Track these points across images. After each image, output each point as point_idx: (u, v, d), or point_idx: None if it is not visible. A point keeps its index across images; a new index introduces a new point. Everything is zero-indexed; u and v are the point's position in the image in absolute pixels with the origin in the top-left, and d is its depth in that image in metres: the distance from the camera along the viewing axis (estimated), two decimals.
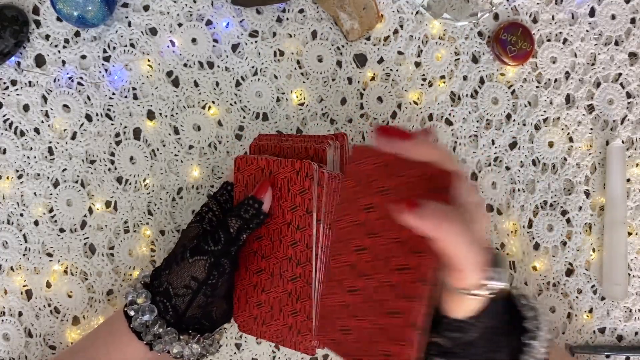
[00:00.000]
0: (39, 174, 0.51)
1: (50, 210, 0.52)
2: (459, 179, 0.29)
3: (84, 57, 0.51)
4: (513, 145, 0.54)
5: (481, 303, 0.31)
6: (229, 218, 0.42)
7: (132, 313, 0.42)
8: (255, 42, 0.52)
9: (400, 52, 0.53)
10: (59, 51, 0.51)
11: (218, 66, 0.52)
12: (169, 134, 0.52)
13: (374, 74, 0.53)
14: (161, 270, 0.43)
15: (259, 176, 0.44)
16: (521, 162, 0.54)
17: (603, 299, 0.55)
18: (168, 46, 0.51)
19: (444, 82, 0.53)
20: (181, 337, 0.42)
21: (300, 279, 0.41)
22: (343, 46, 0.52)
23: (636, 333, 0.55)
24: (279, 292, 0.42)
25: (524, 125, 0.54)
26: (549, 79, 0.54)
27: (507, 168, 0.54)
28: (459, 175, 0.29)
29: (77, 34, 0.51)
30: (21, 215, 0.51)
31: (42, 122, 0.51)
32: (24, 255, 0.52)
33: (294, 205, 0.41)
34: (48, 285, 0.52)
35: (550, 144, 0.54)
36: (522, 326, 0.35)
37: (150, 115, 0.52)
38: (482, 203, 0.32)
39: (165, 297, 0.42)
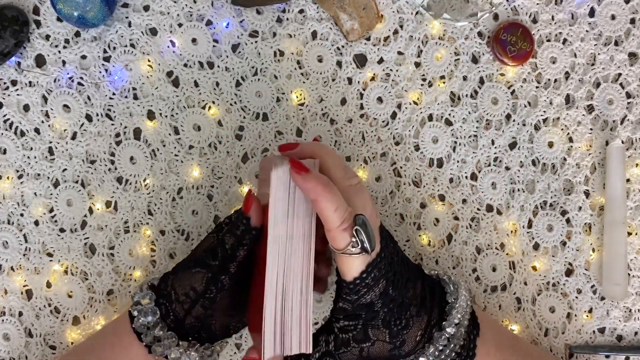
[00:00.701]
0: (39, 174, 0.51)
1: (51, 210, 0.52)
2: (334, 163, 0.40)
3: (84, 57, 0.51)
4: (513, 146, 0.54)
5: (361, 263, 0.37)
6: (224, 235, 0.42)
7: (135, 313, 0.42)
8: (255, 42, 0.52)
9: (400, 53, 0.53)
10: (59, 51, 0.51)
11: (218, 66, 0.52)
12: (169, 134, 0.52)
13: (374, 74, 0.53)
14: (169, 273, 0.44)
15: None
16: (521, 162, 0.54)
17: (603, 299, 0.55)
18: (168, 46, 0.51)
19: (444, 82, 0.53)
20: (180, 342, 0.42)
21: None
22: (343, 46, 0.52)
23: (636, 333, 0.55)
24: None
25: (524, 125, 0.54)
26: (549, 79, 0.54)
27: (507, 168, 0.54)
28: (330, 160, 0.40)
29: (77, 34, 0.51)
30: (21, 215, 0.51)
31: (42, 122, 0.51)
32: (24, 255, 0.52)
33: None
34: (48, 285, 0.52)
35: (550, 144, 0.54)
36: (445, 300, 0.42)
37: (150, 115, 0.52)
38: (359, 183, 0.40)
39: (168, 301, 0.42)
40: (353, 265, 0.37)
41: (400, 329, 0.39)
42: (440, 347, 0.40)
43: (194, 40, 0.51)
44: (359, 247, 0.36)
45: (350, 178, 0.40)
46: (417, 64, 0.53)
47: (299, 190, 0.38)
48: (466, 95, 0.53)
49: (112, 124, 0.51)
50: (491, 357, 0.42)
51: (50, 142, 0.51)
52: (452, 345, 0.40)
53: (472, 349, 0.41)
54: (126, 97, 0.51)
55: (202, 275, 0.41)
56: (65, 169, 0.51)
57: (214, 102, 0.52)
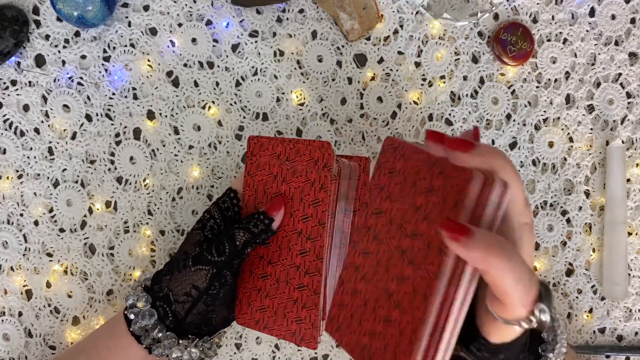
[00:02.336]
0: (39, 174, 0.51)
1: (50, 210, 0.52)
2: (517, 194, 0.28)
3: (84, 57, 0.51)
4: (513, 145, 0.54)
5: (519, 332, 0.31)
6: (237, 230, 0.42)
7: (132, 317, 0.42)
8: (255, 42, 0.52)
9: (400, 52, 0.53)
10: (59, 51, 0.51)
11: (218, 66, 0.52)
12: (169, 134, 0.52)
13: (374, 74, 0.53)
14: (162, 274, 0.43)
15: (270, 183, 0.43)
16: (521, 162, 0.54)
17: (603, 299, 0.55)
18: (168, 46, 0.51)
19: (444, 82, 0.53)
20: (180, 341, 0.42)
21: (307, 288, 0.41)
22: (343, 46, 0.52)
23: (636, 333, 0.55)
24: (284, 299, 0.42)
25: (524, 125, 0.54)
26: (549, 79, 0.54)
27: None
28: (517, 189, 0.28)
29: (77, 34, 0.51)
30: (21, 215, 0.51)
31: (42, 122, 0.51)
32: (24, 255, 0.52)
33: (305, 215, 0.41)
34: (48, 285, 0.52)
35: (550, 144, 0.54)
36: (540, 336, 0.35)
37: (150, 115, 0.52)
38: (532, 223, 0.30)
39: (166, 303, 0.42)
40: (511, 332, 0.31)
41: None
42: None
43: (194, 40, 0.51)
44: (534, 324, 0.29)
45: (528, 214, 0.30)
46: (417, 64, 0.53)
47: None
48: (466, 95, 0.53)
49: (112, 124, 0.51)
50: None
51: (50, 142, 0.51)
52: None
53: None
54: (126, 97, 0.51)
55: (206, 273, 0.41)
56: (65, 169, 0.51)
57: (214, 102, 0.52)
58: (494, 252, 0.26)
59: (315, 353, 0.53)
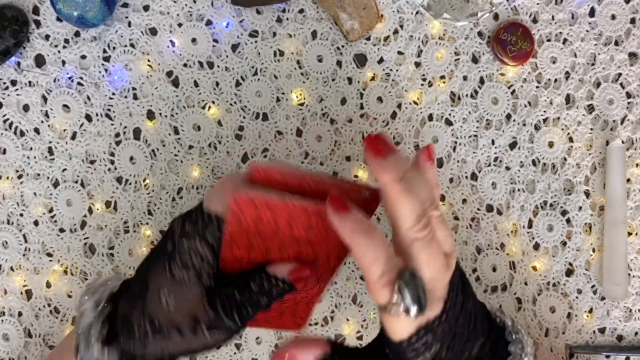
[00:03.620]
0: (39, 174, 0.51)
1: (50, 210, 0.52)
2: (403, 212, 0.31)
3: (84, 57, 0.51)
4: (513, 145, 0.54)
5: (410, 326, 0.31)
6: (260, 295, 0.34)
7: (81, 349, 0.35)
8: (255, 42, 0.52)
9: (400, 52, 0.53)
10: (59, 51, 0.51)
11: (218, 66, 0.52)
12: (169, 134, 0.52)
13: (374, 74, 0.53)
14: (145, 334, 0.34)
15: (267, 231, 0.34)
16: (521, 162, 0.54)
17: (603, 299, 0.55)
18: (168, 46, 0.51)
19: (444, 82, 0.53)
20: None
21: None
22: (343, 46, 0.52)
23: (636, 333, 0.55)
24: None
25: (524, 125, 0.54)
26: (549, 79, 0.54)
27: (507, 168, 0.54)
28: (402, 207, 0.30)
29: (77, 34, 0.51)
30: (21, 215, 0.51)
31: (42, 122, 0.51)
32: (24, 255, 0.52)
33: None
34: (48, 285, 0.52)
35: (550, 144, 0.54)
36: (507, 350, 0.35)
37: (150, 115, 0.52)
38: (426, 238, 0.31)
39: (130, 336, 0.34)
40: (398, 327, 0.31)
41: None
42: None
43: (193, 40, 0.51)
44: (402, 307, 0.29)
45: (420, 230, 0.30)
46: (417, 64, 0.53)
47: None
48: (466, 95, 0.53)
49: (112, 124, 0.51)
50: None
51: (50, 142, 0.51)
52: None
53: None
54: (126, 97, 0.51)
55: (221, 338, 0.34)
56: (65, 169, 0.51)
57: (214, 102, 0.52)
58: (359, 231, 0.30)
59: None
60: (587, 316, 0.55)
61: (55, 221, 0.52)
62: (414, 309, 0.29)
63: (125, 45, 0.51)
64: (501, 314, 0.38)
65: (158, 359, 0.34)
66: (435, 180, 0.33)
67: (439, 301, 0.31)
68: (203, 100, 0.52)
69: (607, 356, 0.54)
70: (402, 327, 0.31)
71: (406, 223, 0.30)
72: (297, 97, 0.52)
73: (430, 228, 0.31)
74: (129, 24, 0.51)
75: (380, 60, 0.53)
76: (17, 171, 0.51)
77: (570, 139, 0.54)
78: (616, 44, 0.54)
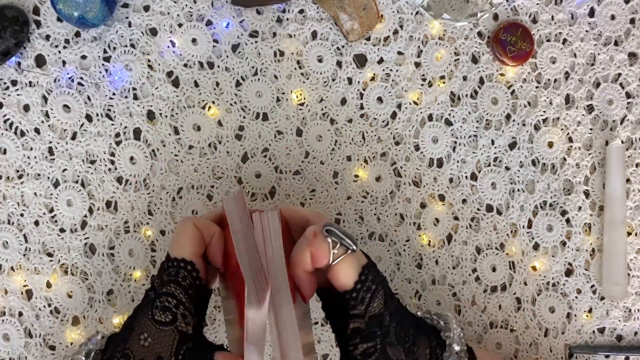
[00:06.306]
0: (39, 174, 0.51)
1: (51, 210, 0.52)
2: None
3: (84, 57, 0.51)
4: (513, 146, 0.54)
5: (354, 267, 0.37)
6: None
7: None
8: (255, 42, 0.52)
9: (400, 53, 0.53)
10: (60, 51, 0.51)
11: (218, 66, 0.52)
12: (169, 134, 0.52)
13: (374, 74, 0.53)
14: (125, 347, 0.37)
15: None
16: (521, 162, 0.54)
17: (602, 299, 0.55)
18: (168, 46, 0.51)
19: (444, 83, 0.53)
20: None
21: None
22: (343, 46, 0.52)
23: (636, 333, 0.55)
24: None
25: (524, 125, 0.54)
26: (549, 79, 0.54)
27: (507, 168, 0.54)
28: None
29: (77, 34, 0.51)
30: (21, 215, 0.51)
31: (43, 122, 0.51)
32: (24, 255, 0.52)
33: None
34: (48, 285, 0.52)
35: (550, 144, 0.54)
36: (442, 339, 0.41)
37: (150, 115, 0.52)
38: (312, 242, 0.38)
39: None
40: (347, 271, 0.37)
41: (411, 346, 0.38)
42: None
43: (194, 40, 0.51)
44: (339, 245, 0.36)
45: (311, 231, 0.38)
46: (417, 64, 0.53)
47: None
48: (466, 95, 0.53)
49: (112, 124, 0.51)
50: None
51: (50, 142, 0.51)
52: None
53: None
54: (126, 97, 0.51)
55: None
56: (65, 169, 0.51)
57: (214, 102, 0.52)
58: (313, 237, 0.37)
59: (316, 352, 0.53)
60: (587, 316, 0.55)
61: (56, 221, 0.52)
62: (348, 242, 0.36)
63: (126, 46, 0.51)
64: (429, 314, 0.43)
65: None
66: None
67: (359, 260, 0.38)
68: (203, 101, 0.52)
69: (607, 356, 0.54)
70: (349, 271, 0.37)
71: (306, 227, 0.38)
72: (297, 97, 0.52)
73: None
74: (129, 24, 0.51)
75: (380, 61, 0.53)
76: (18, 171, 0.51)
77: (570, 139, 0.54)
78: (616, 44, 0.55)
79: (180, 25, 0.51)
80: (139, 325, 0.37)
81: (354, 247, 0.37)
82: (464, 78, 0.53)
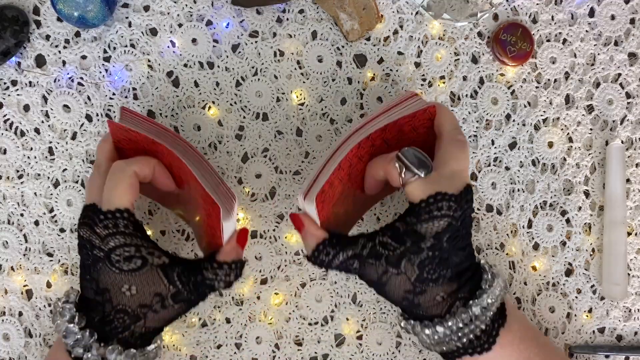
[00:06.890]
0: (39, 174, 0.51)
1: (51, 210, 0.52)
2: (446, 118, 0.43)
3: (84, 57, 0.51)
4: (513, 146, 0.54)
5: (424, 188, 0.39)
6: (216, 282, 0.40)
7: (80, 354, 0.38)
8: (255, 42, 0.52)
9: (400, 53, 0.53)
10: (60, 51, 0.51)
11: (218, 66, 0.52)
12: None
13: (374, 74, 0.53)
14: (123, 327, 0.39)
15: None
16: (521, 162, 0.54)
17: (602, 299, 0.55)
18: (168, 46, 0.51)
19: (444, 83, 0.53)
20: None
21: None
22: (343, 46, 0.52)
23: (636, 333, 0.55)
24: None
25: (524, 125, 0.54)
26: (549, 79, 0.54)
27: (507, 168, 0.54)
28: (445, 116, 0.43)
29: (77, 34, 0.51)
30: (21, 215, 0.51)
31: (43, 122, 0.51)
32: (24, 255, 0.52)
33: None
34: (48, 285, 0.52)
35: (550, 144, 0.54)
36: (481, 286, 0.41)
37: (150, 115, 0.52)
38: (463, 141, 0.42)
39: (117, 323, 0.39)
40: (413, 193, 0.39)
41: (428, 279, 0.39)
42: (461, 324, 0.39)
43: (194, 40, 0.51)
44: (405, 169, 0.39)
45: (458, 134, 0.41)
46: (417, 64, 0.53)
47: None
48: (466, 95, 0.53)
49: None
50: (514, 347, 0.41)
51: (50, 142, 0.51)
52: (472, 327, 0.39)
53: (494, 337, 0.40)
54: (126, 97, 0.51)
55: (185, 307, 0.40)
56: (65, 169, 0.51)
57: (214, 102, 0.52)
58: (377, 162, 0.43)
59: (315, 353, 0.53)
60: (587, 316, 0.55)
61: (56, 221, 0.52)
62: (414, 168, 0.39)
63: (126, 46, 0.51)
64: (487, 264, 0.44)
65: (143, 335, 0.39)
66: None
67: (455, 187, 0.39)
68: (203, 100, 0.52)
69: (607, 356, 0.54)
70: (417, 190, 0.38)
71: (447, 126, 0.41)
72: (297, 97, 0.52)
73: (463, 137, 0.41)
74: (130, 24, 0.51)
75: (380, 61, 0.53)
76: (18, 171, 0.51)
77: (570, 139, 0.54)
78: (616, 44, 0.55)
79: (180, 25, 0.51)
80: (111, 283, 0.38)
81: (421, 174, 0.38)
82: (464, 78, 0.53)
